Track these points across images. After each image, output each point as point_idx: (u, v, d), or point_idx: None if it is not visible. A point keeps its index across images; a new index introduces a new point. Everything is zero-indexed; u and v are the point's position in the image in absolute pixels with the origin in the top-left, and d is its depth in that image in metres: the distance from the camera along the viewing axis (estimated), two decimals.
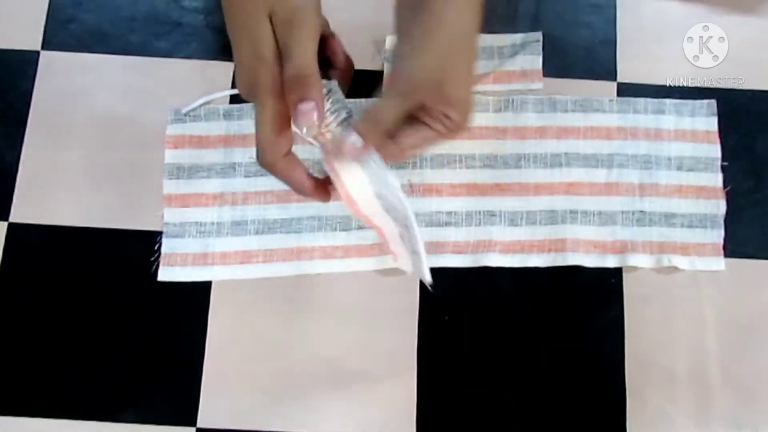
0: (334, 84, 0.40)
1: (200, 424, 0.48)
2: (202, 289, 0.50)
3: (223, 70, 0.54)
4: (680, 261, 0.51)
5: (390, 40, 0.54)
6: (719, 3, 0.56)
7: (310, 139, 0.40)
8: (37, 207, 0.51)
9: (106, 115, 0.53)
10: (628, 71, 0.55)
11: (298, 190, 0.41)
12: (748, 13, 0.56)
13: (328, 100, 0.39)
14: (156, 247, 0.51)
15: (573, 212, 0.52)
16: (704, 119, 0.54)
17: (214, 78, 0.54)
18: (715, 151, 0.53)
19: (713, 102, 0.54)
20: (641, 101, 0.54)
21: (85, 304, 0.50)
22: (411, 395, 0.49)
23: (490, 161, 0.53)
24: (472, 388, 0.49)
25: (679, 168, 0.53)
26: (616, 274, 0.51)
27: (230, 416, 0.48)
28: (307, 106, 0.36)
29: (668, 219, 0.52)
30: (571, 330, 0.50)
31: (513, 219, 0.52)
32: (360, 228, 0.51)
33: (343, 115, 0.40)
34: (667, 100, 0.54)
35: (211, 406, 0.49)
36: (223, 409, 0.49)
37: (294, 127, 0.39)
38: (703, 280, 0.51)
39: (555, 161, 0.53)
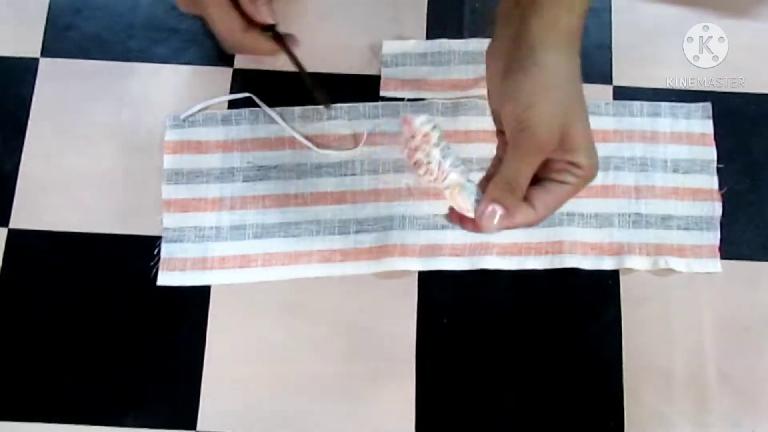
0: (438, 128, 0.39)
1: (200, 427, 0.48)
2: (202, 293, 0.51)
3: (221, 75, 0.54)
4: (677, 263, 0.51)
5: (386, 45, 0.55)
6: (716, 5, 0.56)
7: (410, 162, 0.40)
8: (36, 213, 0.52)
9: (105, 121, 0.53)
10: (623, 74, 0.55)
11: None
12: (745, 15, 0.57)
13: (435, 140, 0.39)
14: (155, 252, 0.51)
15: (570, 214, 0.52)
16: (699, 122, 0.54)
17: (212, 84, 0.54)
18: (711, 153, 0.54)
19: (708, 105, 0.54)
20: (637, 104, 0.54)
21: (85, 309, 0.50)
22: (410, 397, 0.49)
23: (487, 164, 0.53)
24: (470, 390, 0.50)
25: (675, 170, 0.53)
26: (613, 276, 0.51)
27: (230, 419, 0.49)
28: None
29: (664, 221, 0.52)
30: (568, 332, 0.50)
31: None
32: (358, 232, 0.52)
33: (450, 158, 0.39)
34: (663, 103, 0.54)
35: (211, 410, 0.49)
36: (223, 412, 0.49)
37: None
38: (700, 282, 0.51)
39: None
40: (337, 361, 0.50)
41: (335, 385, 0.49)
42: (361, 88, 0.54)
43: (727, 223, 0.52)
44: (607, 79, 0.55)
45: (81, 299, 0.50)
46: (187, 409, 0.49)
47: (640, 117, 0.54)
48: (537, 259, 0.51)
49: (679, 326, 0.51)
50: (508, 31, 0.38)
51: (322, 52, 0.55)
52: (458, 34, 0.56)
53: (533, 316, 0.51)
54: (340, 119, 0.53)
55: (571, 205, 0.52)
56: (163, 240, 0.51)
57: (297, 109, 0.54)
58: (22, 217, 0.51)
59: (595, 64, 0.55)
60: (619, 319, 0.50)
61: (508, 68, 0.37)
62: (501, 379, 0.50)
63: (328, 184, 0.52)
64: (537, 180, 0.39)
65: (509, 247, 0.51)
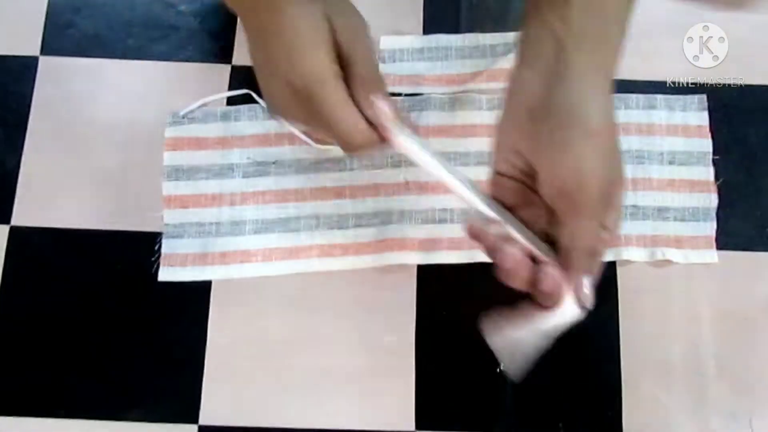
0: None
1: (202, 421, 0.49)
2: (203, 288, 0.51)
3: (220, 72, 0.54)
4: (674, 254, 0.51)
5: (384, 41, 0.55)
6: (715, 1, 0.57)
7: None
8: (38, 210, 0.52)
9: (105, 118, 0.54)
10: (620, 68, 0.55)
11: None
12: (744, 11, 0.57)
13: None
14: (156, 248, 0.51)
15: None
16: (695, 114, 0.54)
17: (211, 80, 0.54)
18: (707, 145, 0.54)
19: (704, 97, 0.54)
20: (633, 97, 0.54)
21: (86, 305, 0.51)
22: (409, 390, 0.49)
23: (484, 158, 0.53)
24: (469, 382, 0.50)
25: (672, 162, 0.53)
26: (611, 267, 0.51)
27: (232, 413, 0.49)
28: (379, 97, 0.36)
29: (661, 213, 0.52)
30: None
31: None
32: (357, 226, 0.52)
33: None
34: (659, 96, 0.54)
35: (213, 404, 0.49)
36: (225, 406, 0.49)
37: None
38: (697, 273, 0.52)
39: None
40: (337, 355, 0.50)
41: (335, 378, 0.50)
42: None
43: (723, 214, 0.53)
44: None
45: (83, 295, 0.51)
46: (189, 404, 0.49)
47: (636, 110, 0.54)
48: None
49: (676, 317, 0.51)
50: (538, 65, 0.33)
51: None
52: (455, 29, 0.56)
53: None
54: None
55: None
56: (163, 236, 0.52)
57: None
58: (23, 214, 0.52)
59: None
60: (616, 309, 0.51)
61: (544, 116, 0.33)
62: (500, 371, 0.50)
63: (326, 179, 0.53)
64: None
65: None
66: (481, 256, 0.51)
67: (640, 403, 0.49)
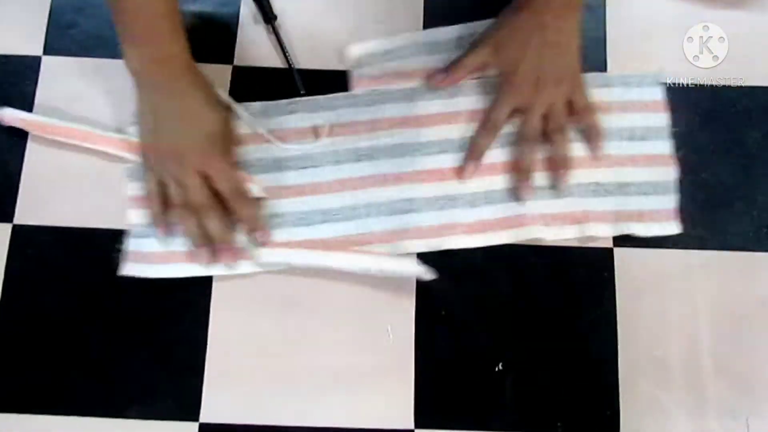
0: None
1: (203, 419, 0.49)
2: (204, 288, 0.51)
3: (217, 72, 0.55)
4: (637, 228, 0.51)
5: (352, 49, 0.55)
6: (715, 1, 0.57)
7: None
8: (40, 209, 0.52)
9: (107, 117, 0.54)
10: (617, 68, 0.55)
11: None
12: (744, 11, 0.57)
13: None
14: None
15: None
16: (650, 89, 0.54)
17: (212, 80, 0.55)
18: (663, 119, 0.53)
19: (658, 73, 0.54)
20: (588, 76, 0.53)
21: (88, 303, 0.51)
22: (409, 388, 0.50)
23: (443, 147, 0.53)
24: (469, 381, 0.50)
25: (631, 138, 0.53)
26: (609, 267, 0.51)
27: (232, 411, 0.49)
28: None
29: (622, 188, 0.52)
30: (565, 322, 0.51)
31: (473, 201, 0.52)
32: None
33: None
34: (614, 74, 0.54)
35: (214, 402, 0.49)
36: (225, 404, 0.49)
37: None
38: (695, 273, 0.51)
39: (510, 140, 0.53)
40: (336, 354, 0.50)
41: (335, 375, 0.50)
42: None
43: (722, 214, 0.53)
44: (602, 71, 0.55)
45: (84, 293, 0.51)
46: (190, 401, 0.49)
47: (592, 88, 0.53)
48: (501, 234, 0.51)
49: (674, 316, 0.51)
50: None
51: (317, 50, 0.56)
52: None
53: (530, 308, 0.51)
54: (301, 113, 0.54)
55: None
56: (130, 235, 0.51)
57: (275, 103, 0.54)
58: (26, 213, 0.52)
59: (590, 58, 0.55)
60: (614, 309, 0.51)
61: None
62: (498, 370, 0.50)
63: (288, 177, 0.53)
64: None
65: (474, 225, 0.51)
66: (449, 243, 0.51)
67: (638, 402, 0.49)
